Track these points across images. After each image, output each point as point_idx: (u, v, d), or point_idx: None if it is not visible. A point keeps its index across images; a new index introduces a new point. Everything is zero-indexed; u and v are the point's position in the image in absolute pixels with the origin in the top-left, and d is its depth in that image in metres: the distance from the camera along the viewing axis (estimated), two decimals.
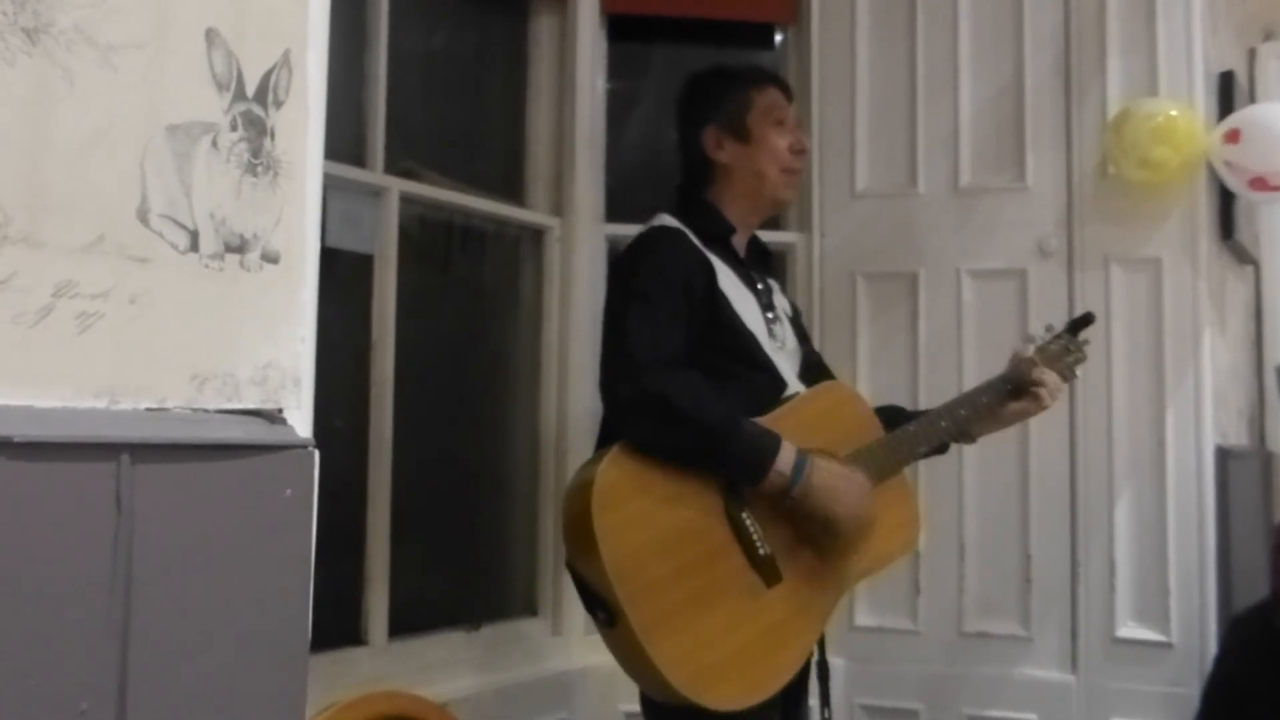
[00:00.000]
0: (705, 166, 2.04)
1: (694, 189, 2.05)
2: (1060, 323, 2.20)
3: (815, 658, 1.99)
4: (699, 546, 1.75)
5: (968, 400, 2.02)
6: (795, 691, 1.94)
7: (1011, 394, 2.02)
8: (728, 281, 1.94)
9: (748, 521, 1.78)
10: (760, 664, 1.76)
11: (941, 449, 2.08)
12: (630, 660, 1.74)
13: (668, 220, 1.98)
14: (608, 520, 1.69)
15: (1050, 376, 2.01)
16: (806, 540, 1.82)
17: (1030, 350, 2.08)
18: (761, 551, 1.78)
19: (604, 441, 1.86)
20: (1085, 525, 2.72)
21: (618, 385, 1.79)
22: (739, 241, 2.04)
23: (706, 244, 1.95)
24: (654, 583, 1.70)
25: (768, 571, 1.78)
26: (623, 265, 1.96)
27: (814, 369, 2.09)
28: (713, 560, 1.75)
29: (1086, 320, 2.14)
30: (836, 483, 1.79)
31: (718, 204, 2.03)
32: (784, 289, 2.23)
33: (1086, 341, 2.14)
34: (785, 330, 2.05)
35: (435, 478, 2.65)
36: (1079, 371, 2.14)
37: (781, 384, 1.94)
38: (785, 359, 2.00)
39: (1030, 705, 2.71)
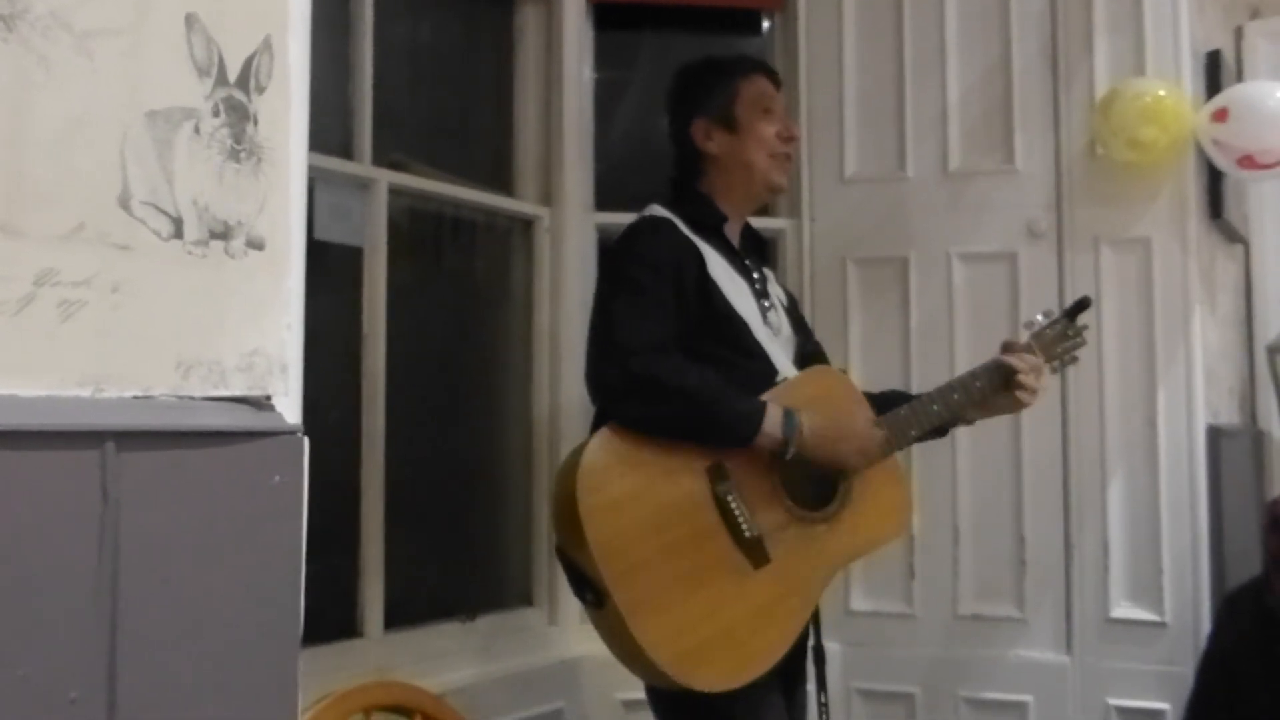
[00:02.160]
0: (696, 158, 2.04)
1: (686, 180, 2.06)
2: (1056, 306, 2.19)
3: (811, 641, 1.99)
4: (685, 528, 1.76)
5: (961, 384, 2.00)
6: (795, 674, 1.95)
7: (1004, 379, 2.00)
8: (719, 268, 1.94)
9: (733, 504, 1.79)
10: (747, 645, 1.77)
11: (939, 432, 2.07)
12: (618, 642, 1.76)
13: (658, 210, 1.99)
14: (593, 502, 1.71)
15: (1023, 362, 1.99)
16: (800, 518, 1.84)
17: (1026, 336, 2.07)
18: (748, 533, 1.79)
19: (598, 427, 1.86)
20: (1078, 506, 2.72)
21: (605, 371, 1.81)
22: (731, 230, 2.05)
23: (697, 232, 1.96)
24: (640, 563, 1.72)
25: (755, 553, 1.79)
26: (611, 255, 1.97)
27: (811, 359, 2.08)
28: (699, 542, 1.77)
29: (1083, 305, 2.12)
30: (830, 429, 1.83)
31: (710, 194, 2.04)
32: (778, 278, 2.23)
33: (1085, 326, 2.13)
34: (780, 318, 2.05)
35: (429, 469, 2.65)
36: (1077, 356, 2.13)
37: (773, 371, 1.94)
38: (779, 346, 2.00)
39: (1026, 687, 2.72)
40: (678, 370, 1.79)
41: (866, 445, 1.88)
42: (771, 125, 2.03)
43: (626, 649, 1.75)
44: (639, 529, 1.74)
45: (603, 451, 1.76)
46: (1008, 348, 2.05)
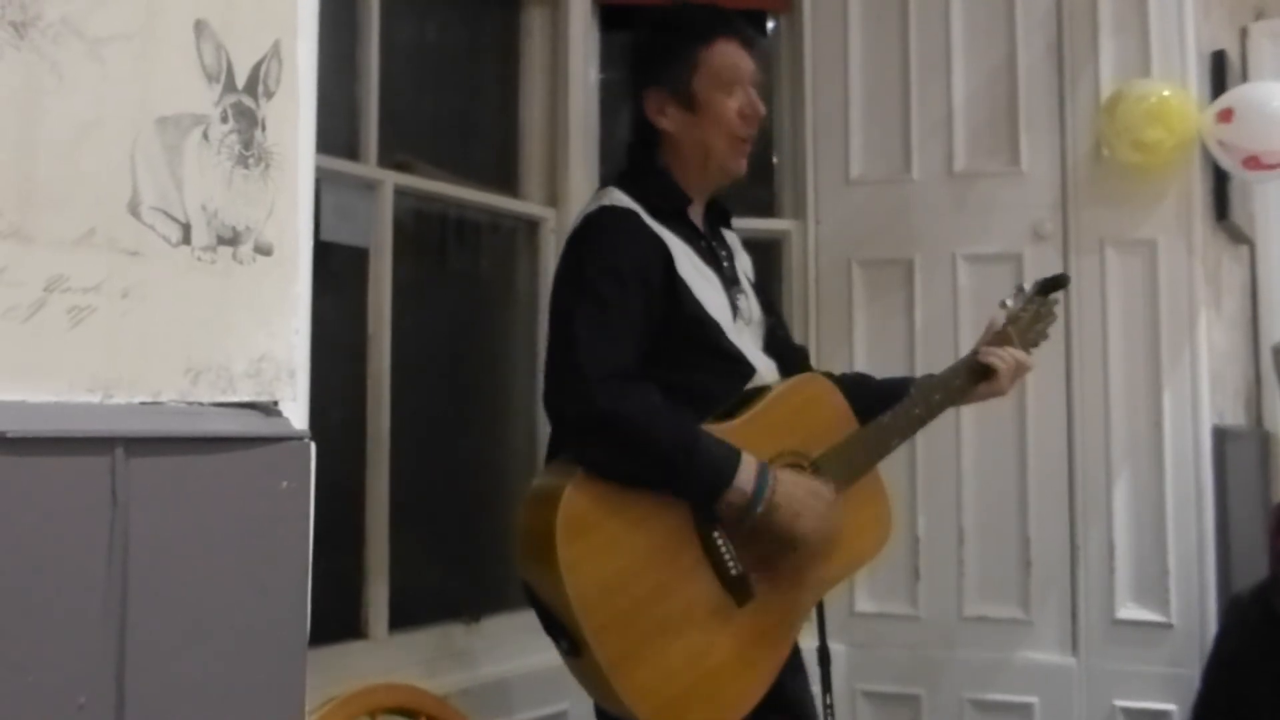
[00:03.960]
0: (650, 131, 1.86)
1: (644, 154, 1.88)
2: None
3: (815, 643, 1.98)
4: (668, 570, 1.66)
5: (943, 384, 1.93)
6: (788, 685, 1.84)
7: (983, 372, 1.95)
8: (687, 264, 1.79)
9: (719, 540, 1.69)
10: (730, 687, 1.69)
11: None
12: (597, 690, 1.68)
13: (618, 198, 1.81)
14: (574, 551, 1.58)
15: (1005, 359, 1.93)
16: (776, 552, 1.74)
17: (1002, 320, 2.00)
18: (733, 571, 1.69)
19: (555, 451, 1.77)
20: (1084, 507, 2.72)
21: (567, 403, 1.66)
22: (695, 210, 1.89)
23: (661, 220, 1.79)
24: (622, 614, 1.61)
25: (739, 591, 1.70)
26: (570, 257, 1.79)
27: (779, 343, 1.97)
28: (682, 583, 1.66)
29: (1059, 282, 2.07)
30: (800, 500, 1.70)
31: (670, 171, 1.86)
32: (760, 260, 2.12)
33: (1056, 301, 2.08)
34: (750, 304, 1.91)
35: (434, 470, 2.65)
36: (1049, 334, 2.09)
37: (749, 370, 1.82)
38: (751, 338, 1.88)
39: (1031, 688, 2.72)
40: (645, 414, 1.64)
41: (825, 536, 1.74)
42: (734, 100, 1.82)
43: (607, 698, 1.66)
44: (622, 577, 1.62)
45: (583, 493, 1.61)
46: (989, 336, 1.99)
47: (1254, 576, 2.44)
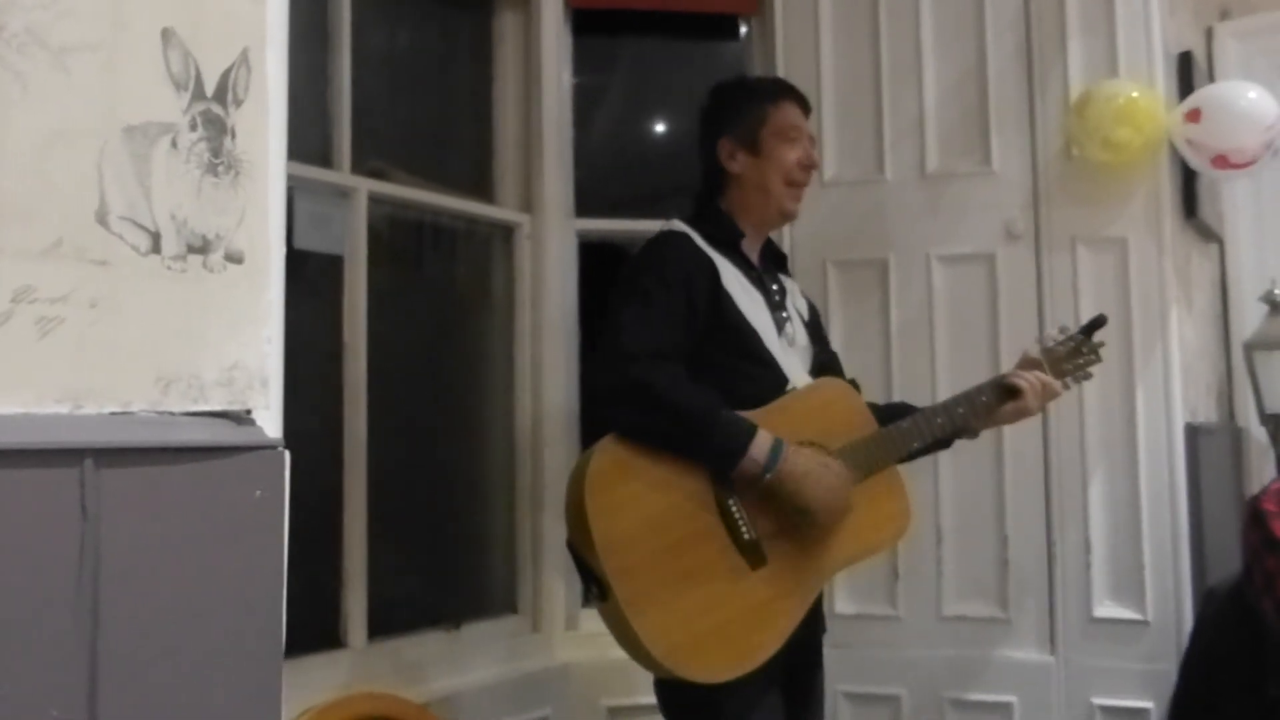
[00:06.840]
0: (719, 175, 2.10)
1: (709, 196, 2.12)
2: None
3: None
4: (686, 529, 1.82)
5: (966, 399, 2.07)
6: (803, 672, 2.00)
7: (1010, 392, 2.07)
8: (733, 280, 1.99)
9: (734, 507, 1.85)
10: (740, 641, 1.82)
11: (943, 444, 2.12)
12: (619, 632, 1.83)
13: (677, 225, 2.04)
14: (600, 502, 1.79)
15: (1030, 380, 2.06)
16: (789, 526, 1.87)
17: (1037, 350, 2.14)
18: (746, 536, 1.85)
19: (589, 435, 1.94)
20: (1060, 506, 2.74)
21: (602, 374, 1.87)
22: (750, 246, 2.09)
23: (714, 246, 2.01)
24: (640, 561, 1.79)
25: (752, 555, 1.85)
26: (626, 268, 2.01)
27: (826, 369, 2.13)
28: (699, 542, 1.83)
29: (1099, 323, 2.18)
30: (810, 470, 1.85)
31: (730, 212, 2.09)
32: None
33: (1101, 344, 2.17)
34: (796, 329, 2.10)
35: (411, 477, 2.64)
36: (1091, 373, 2.19)
37: (783, 380, 1.99)
38: (793, 356, 2.05)
39: (1010, 687, 2.73)
40: (673, 382, 1.83)
41: (834, 506, 1.87)
42: (793, 152, 2.08)
43: (628, 640, 1.81)
44: (642, 528, 1.80)
45: (610, 454, 1.82)
46: (1020, 362, 2.12)
47: (1228, 571, 2.46)
